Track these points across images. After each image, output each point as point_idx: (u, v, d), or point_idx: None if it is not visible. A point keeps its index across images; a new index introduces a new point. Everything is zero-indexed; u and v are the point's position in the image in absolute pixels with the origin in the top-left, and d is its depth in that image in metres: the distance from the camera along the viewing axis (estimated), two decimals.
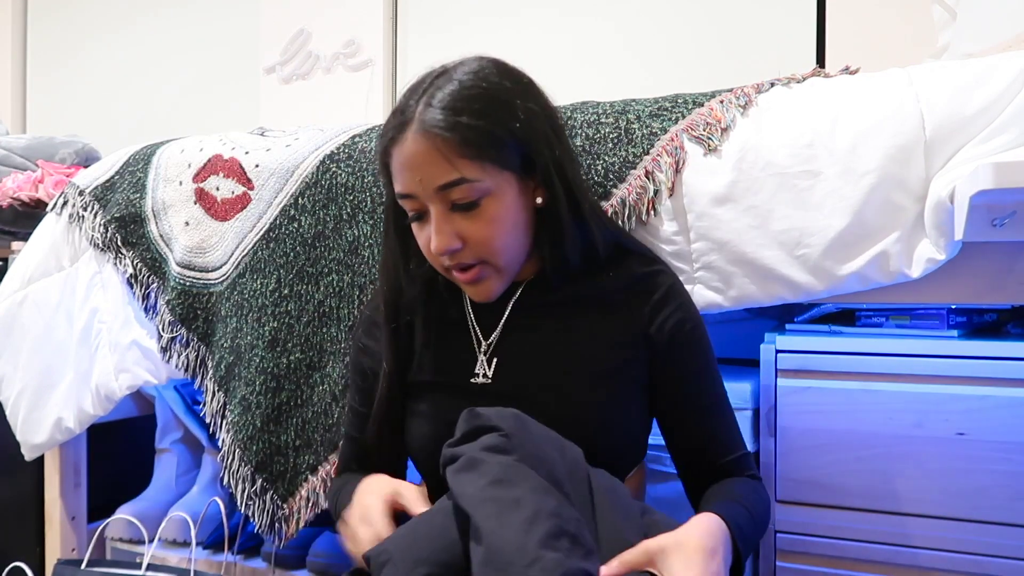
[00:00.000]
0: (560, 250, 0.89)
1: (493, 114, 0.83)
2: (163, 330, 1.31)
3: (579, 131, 1.05)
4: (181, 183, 1.31)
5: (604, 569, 0.73)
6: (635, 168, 1.01)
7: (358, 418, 1.01)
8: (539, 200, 0.87)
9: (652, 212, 1.00)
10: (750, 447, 1.25)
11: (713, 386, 0.92)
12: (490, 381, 0.91)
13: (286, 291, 1.20)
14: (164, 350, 1.31)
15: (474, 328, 0.94)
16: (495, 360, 0.92)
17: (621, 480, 0.89)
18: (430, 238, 0.85)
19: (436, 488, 0.94)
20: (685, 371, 0.91)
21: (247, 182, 1.25)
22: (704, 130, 0.99)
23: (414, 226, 0.89)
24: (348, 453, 1.04)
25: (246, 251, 1.24)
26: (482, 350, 0.92)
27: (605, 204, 1.02)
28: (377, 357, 0.97)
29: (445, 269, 0.89)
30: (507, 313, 0.93)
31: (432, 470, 0.91)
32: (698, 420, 0.91)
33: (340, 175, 1.19)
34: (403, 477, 0.99)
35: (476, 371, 0.92)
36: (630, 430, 0.91)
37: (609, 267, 0.91)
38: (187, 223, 1.30)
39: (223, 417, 1.26)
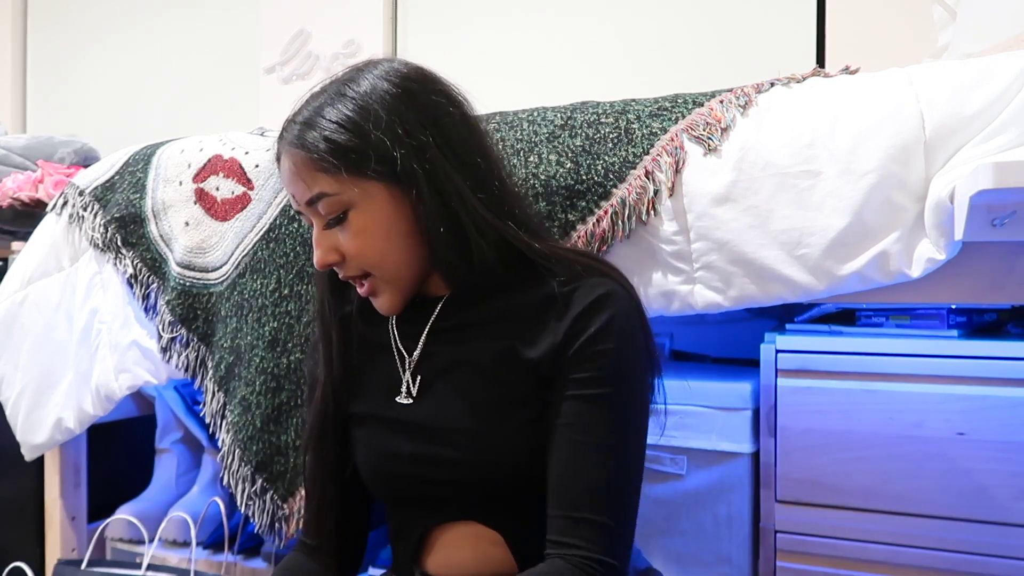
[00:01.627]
0: (449, 263, 0.83)
1: (349, 124, 0.80)
2: (163, 330, 1.31)
3: (579, 131, 1.05)
4: (181, 183, 1.31)
5: None
6: (635, 168, 1.01)
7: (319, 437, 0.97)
8: (420, 208, 0.82)
9: (652, 212, 1.00)
10: (750, 447, 1.26)
11: (598, 426, 0.78)
12: (413, 400, 0.88)
13: (286, 291, 1.20)
14: (164, 350, 1.31)
15: (397, 344, 0.91)
16: (419, 378, 0.88)
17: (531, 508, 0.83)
18: None
19: (388, 513, 0.94)
20: (572, 392, 0.79)
21: (247, 182, 1.25)
22: (704, 130, 0.99)
23: None
24: (322, 464, 0.96)
25: (246, 251, 1.25)
26: (406, 366, 0.89)
27: (605, 204, 1.01)
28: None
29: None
30: (426, 330, 0.88)
31: (378, 491, 0.92)
32: (561, 453, 0.79)
33: None
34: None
35: (401, 389, 0.89)
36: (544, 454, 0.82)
37: (529, 282, 0.84)
38: (187, 223, 1.30)
39: (223, 417, 1.26)
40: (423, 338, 0.88)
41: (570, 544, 0.77)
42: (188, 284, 1.29)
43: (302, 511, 1.20)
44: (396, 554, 0.94)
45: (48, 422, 1.41)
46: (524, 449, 0.82)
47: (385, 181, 0.80)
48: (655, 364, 0.84)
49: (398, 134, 0.80)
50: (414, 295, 0.89)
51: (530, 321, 0.83)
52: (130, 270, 1.34)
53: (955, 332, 1.16)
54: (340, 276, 0.86)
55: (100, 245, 1.36)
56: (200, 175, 1.30)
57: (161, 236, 1.33)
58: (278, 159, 0.86)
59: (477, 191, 0.83)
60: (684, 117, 1.02)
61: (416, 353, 0.89)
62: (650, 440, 0.94)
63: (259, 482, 1.21)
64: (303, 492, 1.19)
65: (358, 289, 0.87)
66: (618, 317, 0.80)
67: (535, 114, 1.10)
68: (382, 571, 1.33)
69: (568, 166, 1.03)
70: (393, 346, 0.91)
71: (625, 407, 0.79)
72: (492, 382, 0.84)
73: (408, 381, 0.88)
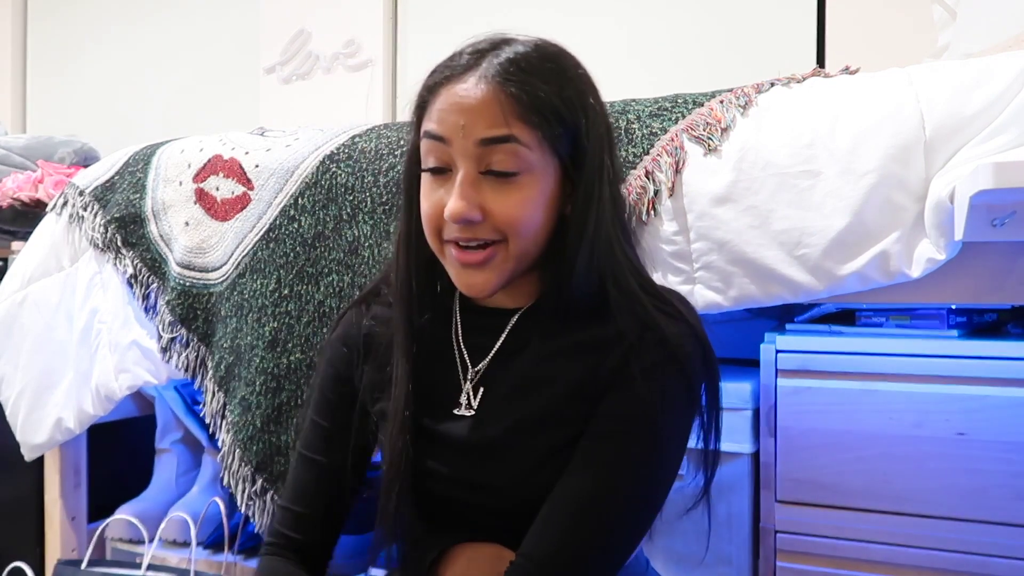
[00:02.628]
0: (563, 272, 0.78)
1: (564, 91, 0.75)
2: (163, 330, 1.30)
3: None
4: (181, 183, 1.31)
5: None
6: (635, 168, 1.01)
7: (323, 438, 0.90)
8: (568, 208, 0.78)
9: (652, 212, 1.00)
10: (750, 447, 1.26)
11: (613, 471, 0.75)
12: (473, 413, 0.82)
13: (286, 291, 1.20)
14: (164, 350, 1.31)
15: (461, 352, 0.85)
16: (481, 390, 0.83)
17: None
18: (442, 200, 0.75)
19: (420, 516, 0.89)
20: (593, 428, 0.76)
21: (247, 182, 1.25)
22: (704, 130, 0.99)
23: (425, 181, 0.78)
24: (308, 480, 0.90)
25: (246, 251, 1.24)
26: (468, 378, 0.84)
27: None
28: (359, 375, 0.89)
29: (442, 244, 0.78)
30: (500, 342, 0.83)
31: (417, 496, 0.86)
32: (563, 489, 0.76)
33: (340, 175, 1.19)
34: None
35: (460, 401, 0.83)
36: None
37: (617, 316, 0.78)
38: (187, 223, 1.30)
39: (223, 417, 1.26)
40: (493, 352, 0.83)
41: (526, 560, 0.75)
42: (188, 284, 1.29)
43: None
44: (408, 560, 0.90)
45: (48, 422, 1.41)
46: (560, 470, 0.78)
47: (563, 163, 0.77)
48: (701, 426, 0.81)
49: (595, 123, 0.77)
50: (485, 304, 0.85)
51: (595, 354, 0.79)
52: (130, 270, 1.34)
53: (955, 332, 1.16)
54: (457, 235, 0.76)
55: (100, 245, 1.36)
56: (200, 175, 1.30)
57: (161, 236, 1.33)
58: (447, 80, 0.75)
59: (616, 215, 0.80)
60: (684, 117, 1.02)
61: (482, 365, 0.84)
62: None
63: (259, 482, 1.21)
64: None
65: (462, 256, 0.76)
66: (674, 380, 0.77)
67: None
68: (382, 571, 1.33)
69: None
70: (457, 357, 0.85)
71: (649, 449, 0.76)
72: (549, 409, 0.79)
73: (469, 393, 0.83)
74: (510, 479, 0.80)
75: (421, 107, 0.79)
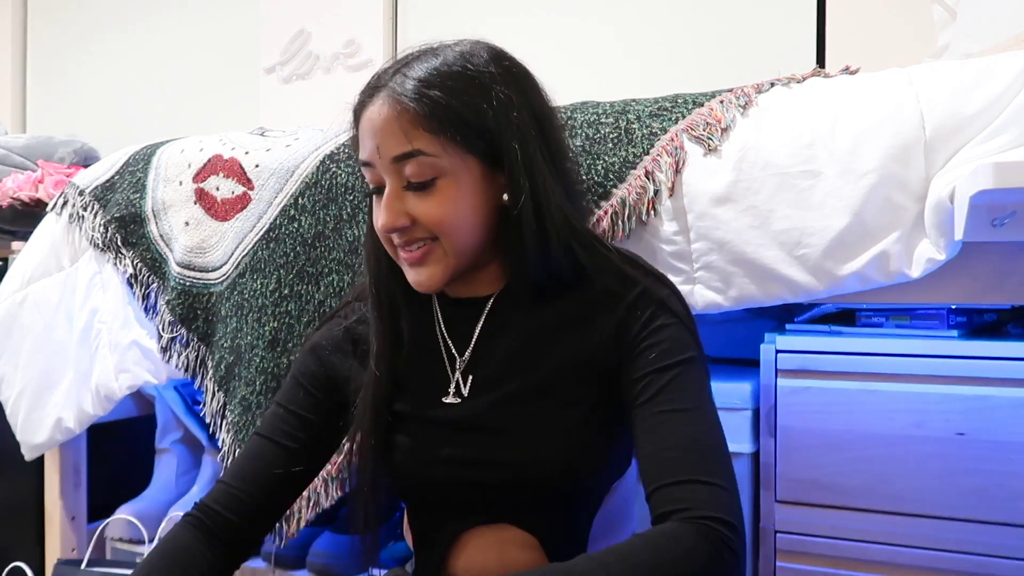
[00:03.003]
0: (520, 257, 0.82)
1: (466, 94, 0.78)
2: (163, 330, 1.31)
3: (579, 131, 1.05)
4: (181, 183, 1.31)
5: None
6: (635, 168, 1.01)
7: (283, 425, 0.91)
8: (505, 197, 0.81)
9: (652, 212, 1.00)
10: (750, 447, 1.26)
11: (681, 396, 0.77)
12: (463, 399, 0.85)
13: (286, 291, 1.20)
14: (164, 350, 1.31)
15: (446, 343, 0.88)
16: (470, 378, 0.86)
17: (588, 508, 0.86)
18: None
19: (414, 515, 0.91)
20: (645, 368, 0.79)
21: (247, 182, 1.25)
22: (704, 130, 0.99)
23: (373, 203, 0.84)
24: (255, 461, 0.91)
25: (246, 251, 1.24)
26: (457, 366, 0.87)
27: (605, 204, 1.01)
28: (342, 374, 0.91)
29: (394, 249, 0.84)
30: (478, 330, 0.87)
31: (411, 493, 0.89)
32: (648, 427, 0.77)
33: (340, 175, 1.19)
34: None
35: (449, 390, 0.86)
36: (600, 447, 0.83)
37: (579, 284, 0.84)
38: (187, 223, 1.30)
39: (223, 417, 1.26)
40: (475, 338, 0.87)
41: (682, 508, 0.71)
42: (188, 284, 1.29)
43: (302, 511, 1.21)
44: (420, 558, 0.91)
45: (48, 422, 1.42)
46: (570, 450, 0.82)
47: (482, 157, 0.80)
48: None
49: (507, 118, 0.80)
50: (459, 295, 0.89)
51: (583, 320, 0.83)
52: (130, 270, 1.34)
53: (955, 332, 1.16)
54: (396, 241, 0.82)
55: (100, 245, 1.36)
56: (200, 175, 1.30)
57: (161, 236, 1.33)
58: (361, 106, 0.81)
59: (565, 193, 0.84)
60: (684, 117, 1.02)
61: (467, 353, 0.87)
62: None
63: None
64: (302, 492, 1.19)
65: (404, 254, 0.82)
66: (671, 299, 0.83)
67: None
68: (382, 571, 1.34)
69: None
70: (441, 346, 0.88)
71: (696, 373, 0.80)
72: (543, 383, 0.83)
73: (459, 380, 0.86)
74: (512, 454, 0.82)
75: (355, 138, 0.85)
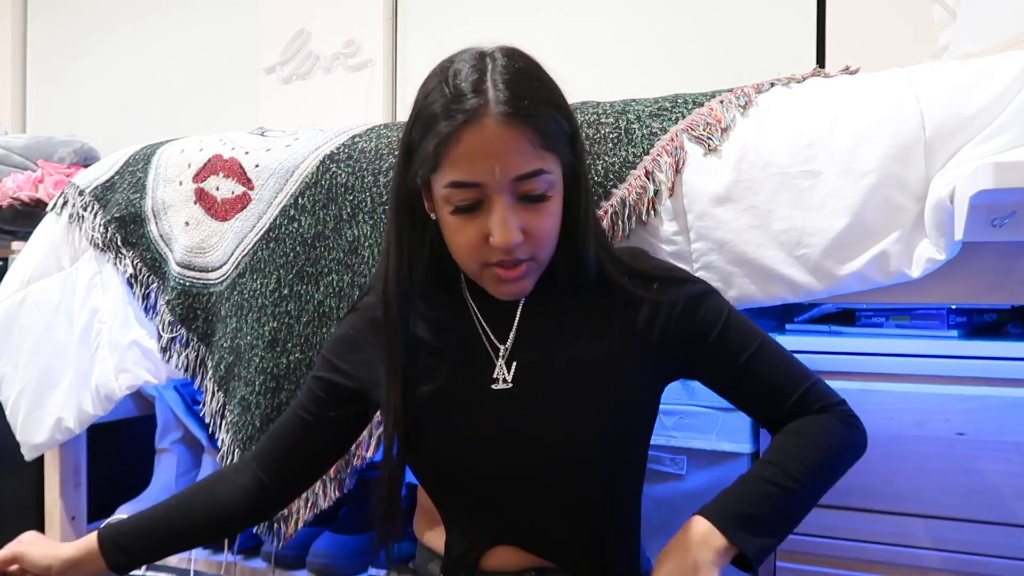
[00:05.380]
0: (580, 251, 0.86)
1: (561, 109, 0.81)
2: (163, 330, 1.31)
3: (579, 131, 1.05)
4: (181, 183, 1.31)
5: None
6: (635, 168, 1.01)
7: (315, 402, 0.96)
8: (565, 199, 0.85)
9: (652, 212, 1.00)
10: (750, 447, 1.26)
11: (748, 340, 0.89)
12: (511, 386, 0.89)
13: (286, 291, 1.20)
14: (164, 350, 1.31)
15: (486, 333, 0.91)
16: (514, 364, 0.89)
17: (627, 478, 0.92)
18: (479, 232, 0.80)
19: (452, 505, 0.94)
20: (717, 348, 0.89)
21: (247, 182, 1.25)
22: (704, 130, 0.99)
23: (454, 219, 0.81)
24: (291, 431, 0.97)
25: (246, 251, 1.24)
26: (500, 355, 0.90)
27: (605, 204, 1.02)
28: (354, 377, 0.94)
29: (482, 267, 0.83)
30: (518, 317, 0.90)
31: (454, 481, 0.92)
32: (753, 379, 0.89)
33: (340, 175, 1.19)
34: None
35: (495, 376, 0.89)
36: (642, 433, 0.92)
37: (605, 279, 0.90)
38: (187, 223, 1.30)
39: (223, 417, 1.26)
40: (514, 326, 0.90)
41: (810, 410, 0.88)
42: (188, 284, 1.29)
43: (301, 511, 1.21)
44: (454, 549, 0.94)
45: (48, 422, 1.41)
46: (620, 421, 0.88)
47: (566, 168, 0.83)
48: None
49: (573, 123, 0.84)
50: None
51: (620, 303, 0.89)
52: (130, 270, 1.34)
53: (955, 332, 1.16)
54: (504, 258, 0.81)
55: (100, 245, 1.36)
56: (200, 175, 1.30)
57: (161, 236, 1.33)
58: (462, 128, 0.77)
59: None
60: (684, 117, 1.02)
61: (509, 340, 0.90)
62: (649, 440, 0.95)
63: None
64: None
65: (504, 272, 0.82)
66: (699, 281, 0.92)
67: None
68: (383, 572, 1.34)
69: None
70: (481, 335, 0.91)
71: (742, 319, 0.90)
72: (590, 360, 0.88)
73: (502, 368, 0.89)
74: (569, 431, 0.86)
75: (437, 155, 0.79)
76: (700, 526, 0.81)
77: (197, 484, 1.01)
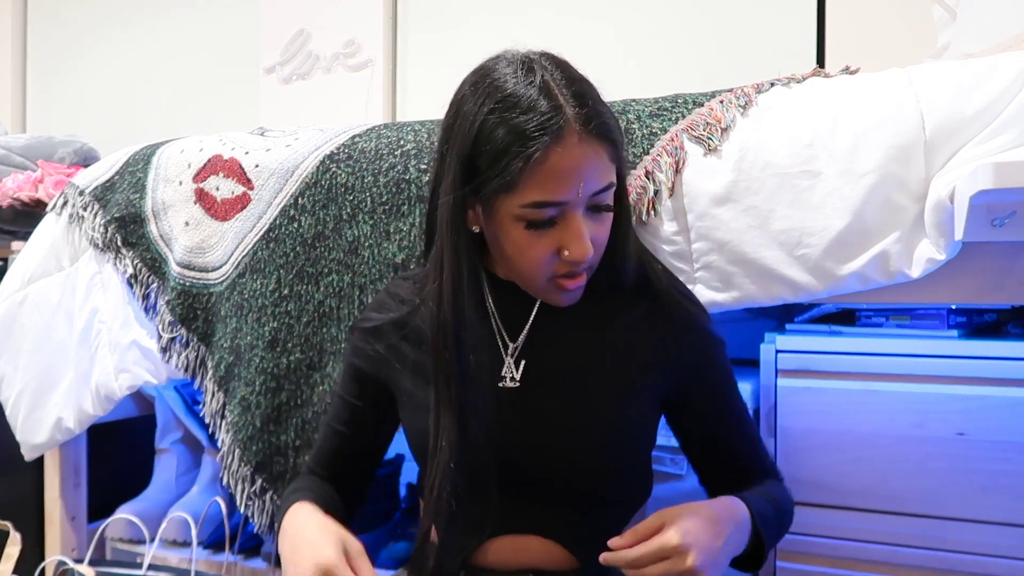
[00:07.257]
0: (622, 255, 0.87)
1: (613, 115, 0.82)
2: (163, 330, 1.30)
3: None
4: (181, 183, 1.31)
5: (616, 540, 0.77)
6: (635, 168, 1.01)
7: (350, 413, 0.98)
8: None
9: (652, 212, 1.00)
10: None
11: (735, 403, 0.94)
12: (518, 384, 0.89)
13: (286, 291, 1.20)
14: (164, 350, 1.30)
15: (499, 330, 0.91)
16: (523, 363, 0.90)
17: (630, 497, 0.95)
18: (552, 246, 0.80)
19: (451, 498, 0.91)
20: (711, 392, 0.92)
21: (247, 182, 1.25)
22: (704, 130, 0.99)
23: (526, 234, 0.80)
24: (332, 448, 1.00)
25: (246, 251, 1.24)
26: (509, 352, 0.90)
27: None
28: (389, 365, 0.94)
29: (548, 279, 0.83)
30: (533, 315, 0.90)
31: (456, 475, 0.88)
32: (725, 438, 0.94)
33: (340, 175, 1.19)
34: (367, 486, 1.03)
35: (503, 373, 0.90)
36: (643, 447, 0.93)
37: (632, 287, 0.90)
38: (187, 223, 1.30)
39: (223, 417, 1.26)
40: (528, 325, 0.90)
41: (771, 475, 0.96)
42: (188, 284, 1.29)
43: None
44: (449, 549, 0.92)
45: (48, 422, 1.41)
46: (618, 441, 0.88)
47: (618, 179, 0.84)
48: None
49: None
50: (511, 277, 0.90)
51: (636, 320, 0.90)
52: (130, 270, 1.34)
53: (955, 332, 1.16)
54: (574, 270, 0.82)
55: (100, 245, 1.36)
56: (200, 175, 1.30)
57: (161, 236, 1.33)
58: (555, 142, 0.75)
59: None
60: (684, 117, 1.02)
61: (520, 339, 0.90)
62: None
63: (259, 482, 1.21)
64: None
65: (569, 282, 0.83)
66: (709, 324, 0.93)
67: None
68: (383, 572, 1.33)
69: None
70: (495, 330, 0.91)
71: (732, 378, 0.94)
72: (599, 374, 0.88)
73: (511, 365, 0.90)
74: (564, 443, 0.87)
75: (519, 173, 0.76)
76: (729, 499, 0.85)
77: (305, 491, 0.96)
